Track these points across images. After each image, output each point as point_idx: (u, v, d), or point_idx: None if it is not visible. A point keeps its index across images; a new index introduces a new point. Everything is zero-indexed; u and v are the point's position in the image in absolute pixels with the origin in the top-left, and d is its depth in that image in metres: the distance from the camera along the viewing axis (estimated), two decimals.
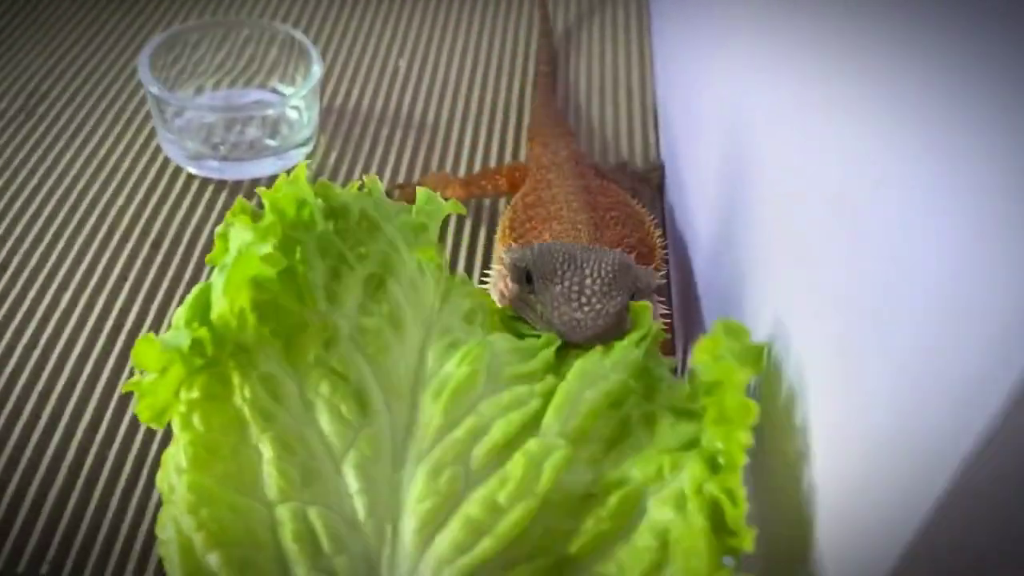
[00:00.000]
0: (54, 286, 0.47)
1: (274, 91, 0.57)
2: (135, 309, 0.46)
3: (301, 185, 0.28)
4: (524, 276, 0.30)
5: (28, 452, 0.40)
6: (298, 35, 0.55)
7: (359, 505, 0.24)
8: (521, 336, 0.29)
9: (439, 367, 0.27)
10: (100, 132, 0.56)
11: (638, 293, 0.31)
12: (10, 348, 0.44)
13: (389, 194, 0.52)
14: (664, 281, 0.36)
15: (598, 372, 0.27)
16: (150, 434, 0.41)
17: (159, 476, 0.25)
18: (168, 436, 0.26)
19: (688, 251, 0.46)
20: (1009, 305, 0.16)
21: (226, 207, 0.52)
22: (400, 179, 0.55)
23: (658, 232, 0.44)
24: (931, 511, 0.18)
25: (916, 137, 0.20)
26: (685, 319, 0.45)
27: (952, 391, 0.18)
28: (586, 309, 0.29)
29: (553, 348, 0.28)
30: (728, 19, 0.42)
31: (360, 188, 0.29)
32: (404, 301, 0.28)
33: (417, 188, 0.31)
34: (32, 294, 0.46)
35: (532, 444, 0.25)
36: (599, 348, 0.28)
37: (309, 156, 0.55)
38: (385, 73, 0.63)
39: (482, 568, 0.24)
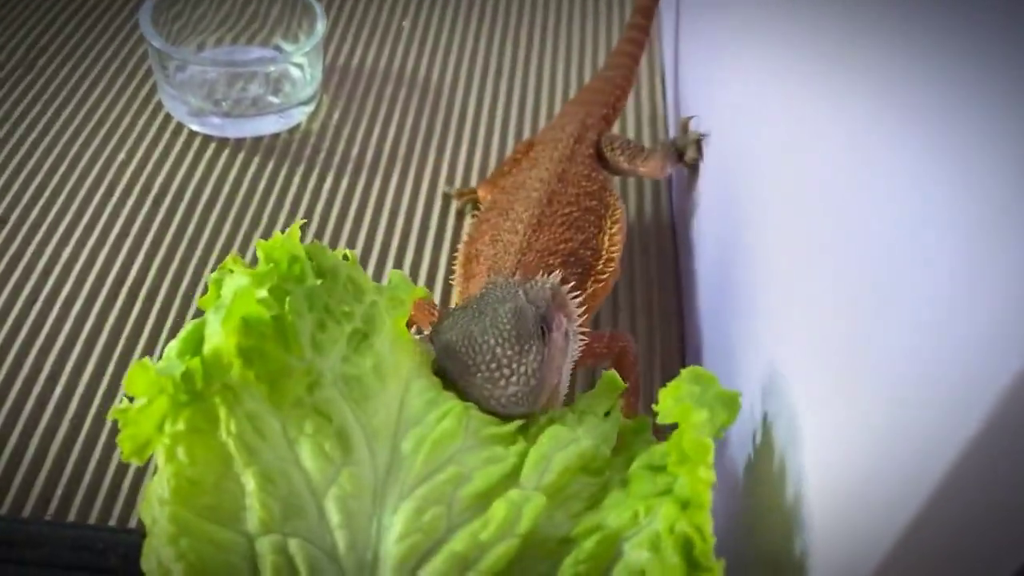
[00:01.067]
0: (54, 241, 0.46)
1: (277, 48, 0.57)
2: (136, 266, 0.46)
3: (295, 242, 0.28)
4: (443, 374, 0.30)
5: (29, 405, 0.39)
6: None
7: (340, 539, 0.25)
8: None
9: (419, 419, 0.28)
10: (101, 86, 0.55)
11: (546, 322, 0.30)
12: (10, 303, 0.43)
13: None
14: (576, 295, 0.35)
15: (569, 437, 0.28)
16: None
17: (142, 508, 0.26)
18: None
19: (694, 264, 0.45)
20: (1004, 308, 0.16)
21: (228, 165, 0.51)
22: (404, 139, 0.54)
23: (615, 230, 0.40)
24: (918, 511, 0.18)
25: (916, 136, 0.20)
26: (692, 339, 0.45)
27: (943, 395, 0.18)
28: (513, 380, 0.29)
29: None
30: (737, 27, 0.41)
31: (344, 257, 0.30)
32: (387, 356, 0.28)
33: (393, 272, 0.31)
34: (32, 249, 0.46)
35: (512, 493, 0.26)
36: (568, 418, 0.28)
37: (312, 115, 0.55)
38: (389, 32, 0.62)
39: None
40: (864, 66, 0.24)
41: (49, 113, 0.53)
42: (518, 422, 0.28)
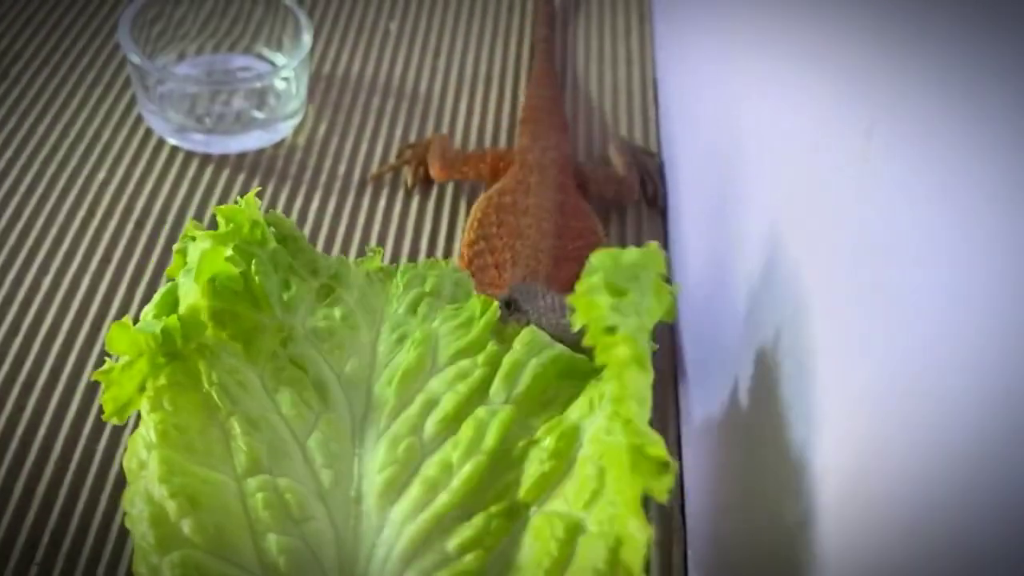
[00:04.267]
0: (34, 268, 0.45)
1: (259, 56, 0.55)
2: (120, 293, 0.44)
3: (254, 210, 0.30)
4: (506, 304, 0.34)
5: (13, 446, 0.38)
6: None
7: (324, 478, 0.27)
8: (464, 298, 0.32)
9: (390, 359, 0.29)
10: (78, 98, 0.54)
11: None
12: None
13: (400, 153, 0.52)
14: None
15: (544, 341, 0.29)
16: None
17: (125, 458, 0.27)
18: None
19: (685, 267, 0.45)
20: None
21: (212, 183, 0.50)
22: (392, 152, 0.53)
23: None
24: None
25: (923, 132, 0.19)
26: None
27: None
28: (567, 314, 0.33)
29: (491, 313, 0.30)
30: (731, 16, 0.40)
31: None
32: (355, 307, 0.30)
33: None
34: (11, 277, 0.44)
35: (479, 411, 0.27)
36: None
37: (297, 128, 0.53)
38: (375, 36, 0.61)
39: (441, 521, 0.26)
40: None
41: (24, 128, 0.51)
42: (486, 325, 0.30)
